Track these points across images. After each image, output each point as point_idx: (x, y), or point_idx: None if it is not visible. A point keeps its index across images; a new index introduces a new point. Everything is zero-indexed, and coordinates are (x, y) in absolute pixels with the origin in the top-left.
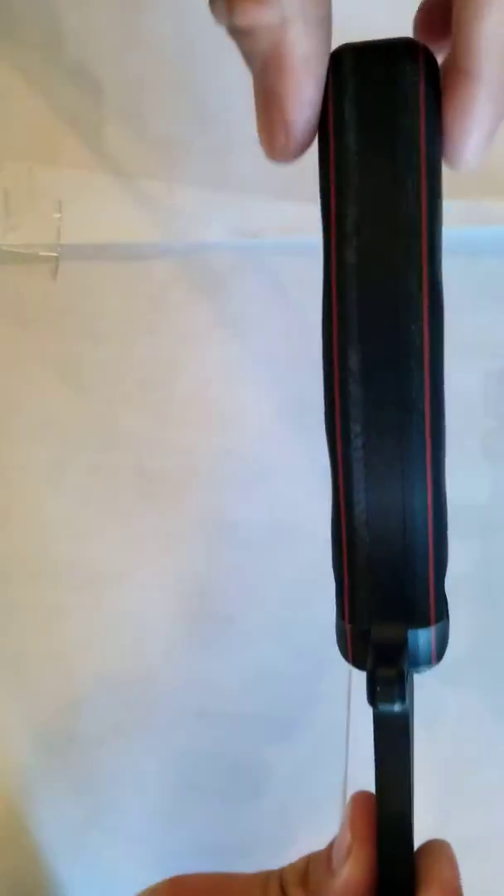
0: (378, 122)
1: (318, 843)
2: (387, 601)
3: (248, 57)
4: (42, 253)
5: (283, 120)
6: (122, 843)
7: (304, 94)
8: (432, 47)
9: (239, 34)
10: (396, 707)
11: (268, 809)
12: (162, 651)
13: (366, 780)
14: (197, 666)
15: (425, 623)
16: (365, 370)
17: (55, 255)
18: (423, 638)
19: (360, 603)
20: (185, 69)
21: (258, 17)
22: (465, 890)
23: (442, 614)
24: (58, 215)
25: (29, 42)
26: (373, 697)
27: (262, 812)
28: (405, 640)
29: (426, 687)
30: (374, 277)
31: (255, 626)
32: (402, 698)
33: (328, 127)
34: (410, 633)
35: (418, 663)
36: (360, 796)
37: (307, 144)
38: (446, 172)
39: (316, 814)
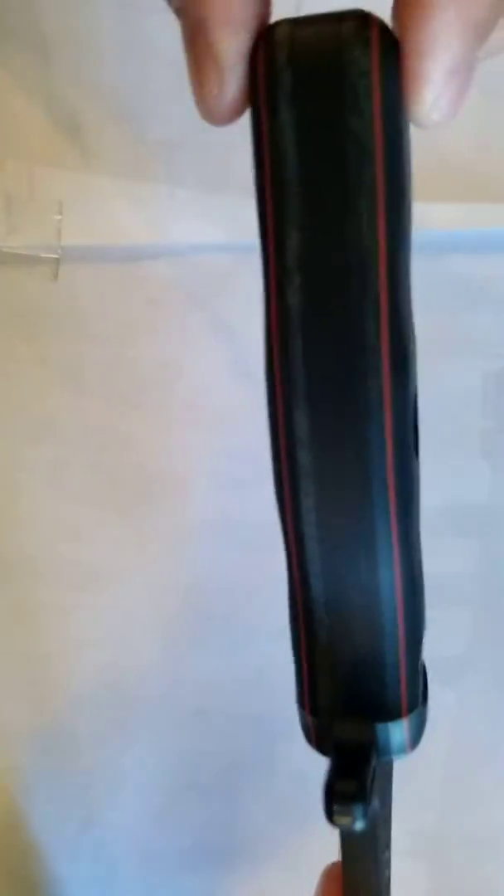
0: (322, 126)
1: (318, 843)
2: (351, 694)
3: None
4: (43, 255)
5: (211, 55)
6: (122, 842)
7: (231, 12)
8: None
9: None
10: (357, 825)
11: (268, 809)
12: (161, 650)
13: None
14: (196, 665)
15: (396, 716)
16: (315, 437)
17: (56, 256)
18: (395, 731)
19: (322, 695)
20: (185, 71)
21: None
22: (466, 889)
23: (416, 702)
24: (58, 217)
25: (29, 44)
26: (329, 813)
27: (262, 811)
28: (372, 741)
29: None
30: (323, 324)
31: (255, 626)
32: (364, 815)
33: (261, 129)
34: (380, 728)
35: (390, 754)
36: (333, 871)
37: (243, 98)
38: (445, 171)
39: (316, 813)
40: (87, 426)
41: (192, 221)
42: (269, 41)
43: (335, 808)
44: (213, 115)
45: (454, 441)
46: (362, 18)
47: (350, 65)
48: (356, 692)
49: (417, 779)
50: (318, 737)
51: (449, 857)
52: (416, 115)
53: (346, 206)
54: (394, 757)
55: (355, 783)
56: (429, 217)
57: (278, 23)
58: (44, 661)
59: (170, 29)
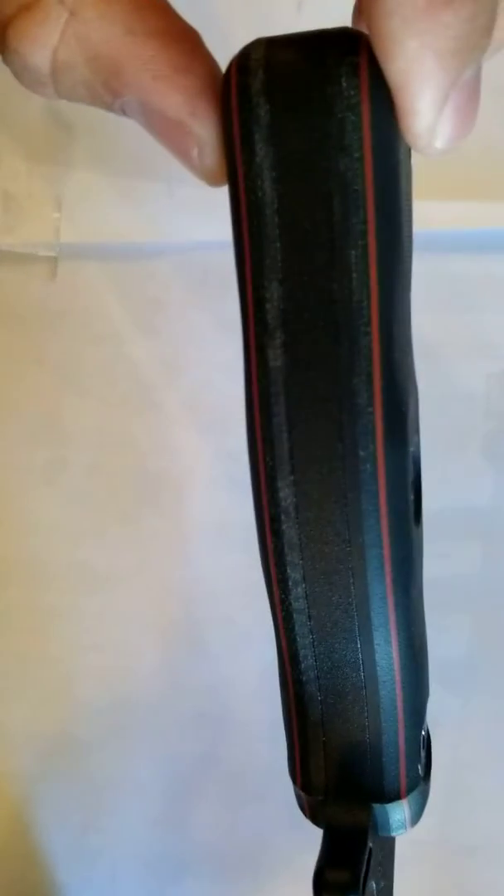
0: (304, 167)
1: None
2: (344, 775)
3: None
4: (41, 253)
5: (189, 138)
6: (122, 847)
7: (169, 101)
8: None
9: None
10: None
11: (269, 814)
12: (162, 653)
13: None
14: (197, 669)
15: (395, 798)
16: (301, 509)
17: (54, 255)
18: (394, 811)
19: (314, 773)
20: None
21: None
22: (468, 894)
23: (417, 780)
24: (57, 215)
25: None
26: None
27: (264, 816)
28: (367, 825)
29: None
30: (309, 388)
31: (256, 629)
32: None
33: (235, 168)
34: (377, 808)
35: (389, 832)
36: None
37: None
38: (446, 169)
39: None
40: (85, 426)
41: (192, 219)
42: (241, 66)
43: None
44: (212, 181)
45: (456, 443)
46: (349, 40)
47: (336, 97)
48: (350, 773)
49: None
50: (312, 811)
51: (451, 864)
52: (415, 147)
53: (333, 258)
54: (393, 834)
55: (347, 874)
56: (430, 216)
57: (252, 44)
58: (43, 665)
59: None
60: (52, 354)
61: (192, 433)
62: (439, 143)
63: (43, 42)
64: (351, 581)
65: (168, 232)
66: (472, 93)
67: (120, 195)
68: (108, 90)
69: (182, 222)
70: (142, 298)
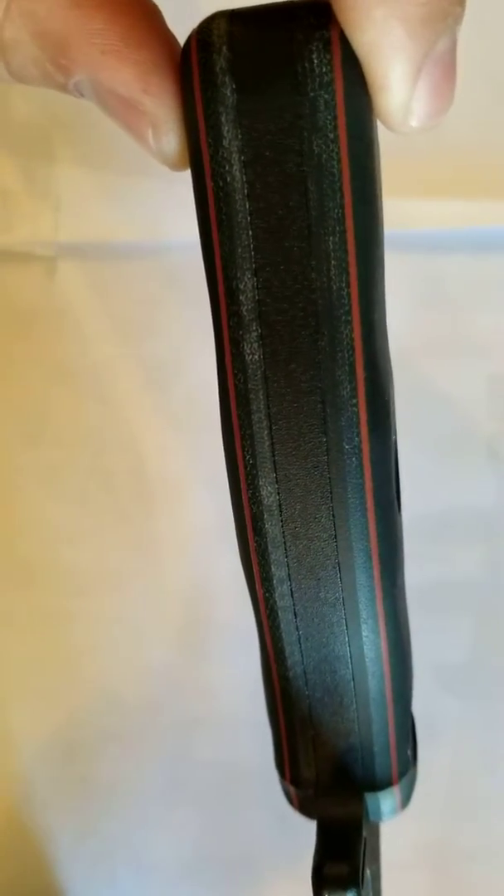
0: (275, 150)
1: None
2: (336, 768)
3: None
4: (39, 252)
5: (143, 118)
6: (121, 851)
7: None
8: None
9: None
10: None
11: (267, 818)
12: (162, 657)
13: None
14: (197, 672)
15: (387, 786)
16: (285, 506)
17: (52, 254)
18: (385, 798)
19: (303, 767)
20: None
21: None
22: None
23: (407, 766)
24: (55, 214)
25: None
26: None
27: (263, 821)
28: (361, 814)
29: (426, 692)
30: (288, 382)
31: (255, 632)
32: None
33: (200, 153)
34: (369, 797)
35: (380, 817)
36: None
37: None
38: (446, 168)
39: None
40: (84, 427)
41: (191, 219)
42: (202, 42)
43: (325, 893)
44: (172, 165)
45: (458, 443)
46: (319, 12)
47: (307, 75)
48: (341, 765)
49: (419, 789)
50: (302, 804)
51: (451, 869)
52: (389, 125)
53: (310, 245)
54: (384, 820)
55: (347, 866)
56: (431, 215)
57: (213, 18)
58: (43, 668)
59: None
60: (49, 354)
61: (191, 433)
62: (414, 122)
63: None
64: (338, 576)
65: (166, 231)
66: (448, 67)
67: (118, 194)
68: (57, 68)
69: (181, 221)
70: (140, 298)
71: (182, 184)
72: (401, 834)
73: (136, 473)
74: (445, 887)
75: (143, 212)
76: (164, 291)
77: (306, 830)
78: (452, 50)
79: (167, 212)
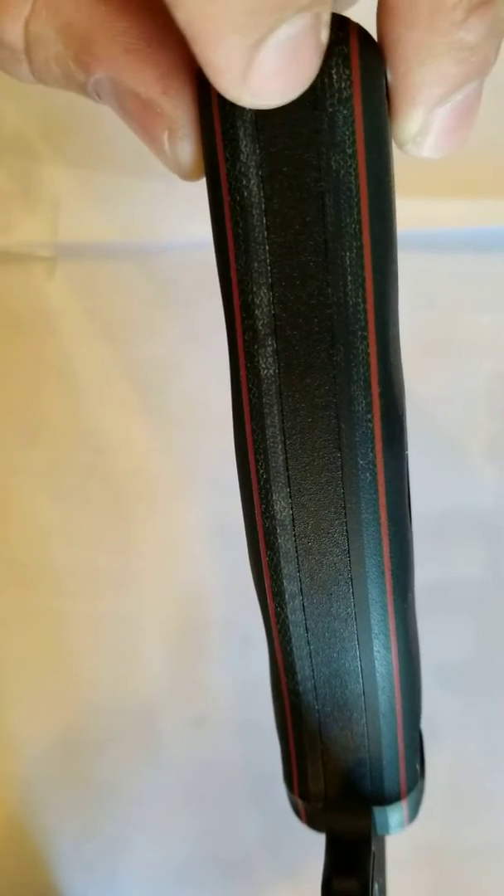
0: (292, 164)
1: (319, 853)
2: (345, 782)
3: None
4: (39, 253)
5: (160, 120)
6: (121, 852)
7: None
8: None
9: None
10: None
11: (269, 818)
12: (161, 657)
13: None
14: (196, 672)
15: (395, 800)
16: (298, 521)
17: (52, 254)
18: (393, 812)
19: (312, 781)
20: None
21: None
22: None
23: (416, 780)
24: (55, 214)
25: None
26: None
27: (264, 821)
28: (369, 828)
29: (426, 692)
30: (305, 397)
31: (257, 631)
32: None
33: (217, 168)
34: (377, 811)
35: (388, 831)
36: None
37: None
38: (447, 167)
39: None
40: (83, 427)
41: (190, 218)
42: None
43: None
44: (185, 174)
45: (459, 443)
46: (338, 27)
47: (326, 91)
48: (350, 780)
49: None
50: (310, 818)
51: (452, 868)
52: (404, 148)
53: (327, 260)
54: (391, 833)
55: (356, 882)
56: (432, 215)
57: None
58: (42, 668)
59: None
60: (50, 355)
61: (191, 433)
62: (427, 153)
63: (14, 14)
64: (350, 591)
65: (166, 231)
66: (471, 107)
67: (118, 194)
68: (80, 65)
69: (181, 222)
70: (140, 298)
71: (181, 185)
72: (401, 833)
73: (134, 474)
74: (445, 887)
75: (143, 212)
76: (162, 292)
77: (306, 831)
78: (478, 90)
79: (166, 213)
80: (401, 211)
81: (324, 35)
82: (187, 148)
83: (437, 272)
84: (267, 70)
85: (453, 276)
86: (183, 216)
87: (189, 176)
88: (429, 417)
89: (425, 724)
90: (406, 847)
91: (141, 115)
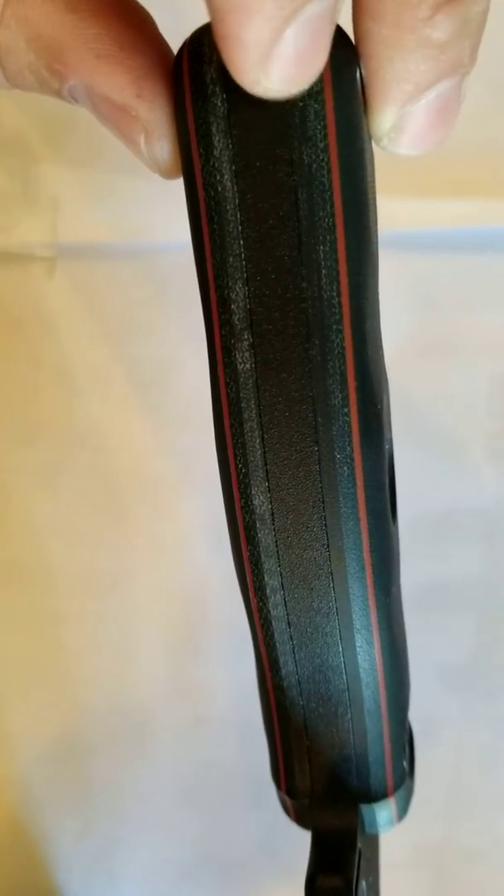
0: (266, 160)
1: None
2: (331, 779)
3: None
4: (38, 253)
5: (137, 125)
6: (121, 853)
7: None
8: None
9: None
10: None
11: (267, 819)
12: (160, 658)
13: None
14: (195, 673)
15: (382, 797)
16: (277, 515)
17: (52, 255)
18: (381, 810)
19: (298, 777)
20: None
21: None
22: None
23: (403, 777)
24: (54, 214)
25: None
26: None
27: (262, 821)
28: (356, 825)
29: (427, 692)
30: (280, 391)
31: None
32: None
33: (192, 163)
34: (365, 808)
35: (376, 829)
36: None
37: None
38: (447, 167)
39: None
40: (82, 428)
41: (187, 221)
42: (194, 53)
43: None
44: (164, 173)
45: (459, 443)
46: None
47: None
48: (336, 776)
49: (419, 789)
50: (297, 815)
51: (451, 869)
52: (381, 144)
53: (301, 254)
54: (380, 831)
55: (340, 879)
56: (431, 214)
57: (204, 28)
58: (41, 668)
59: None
60: (49, 355)
61: (190, 433)
62: (404, 150)
63: None
64: (331, 585)
65: (166, 231)
66: (449, 106)
67: (118, 194)
68: (52, 73)
69: (180, 222)
70: (140, 298)
71: (180, 186)
72: (401, 834)
73: (133, 474)
74: (445, 887)
75: (142, 213)
76: (163, 292)
77: (308, 834)
78: (455, 90)
79: (166, 213)
80: (400, 211)
81: (336, 20)
82: (164, 147)
83: (436, 272)
84: (288, 52)
85: (453, 276)
86: (183, 216)
87: (168, 174)
88: (428, 417)
89: (425, 724)
90: (406, 848)
91: (117, 119)
